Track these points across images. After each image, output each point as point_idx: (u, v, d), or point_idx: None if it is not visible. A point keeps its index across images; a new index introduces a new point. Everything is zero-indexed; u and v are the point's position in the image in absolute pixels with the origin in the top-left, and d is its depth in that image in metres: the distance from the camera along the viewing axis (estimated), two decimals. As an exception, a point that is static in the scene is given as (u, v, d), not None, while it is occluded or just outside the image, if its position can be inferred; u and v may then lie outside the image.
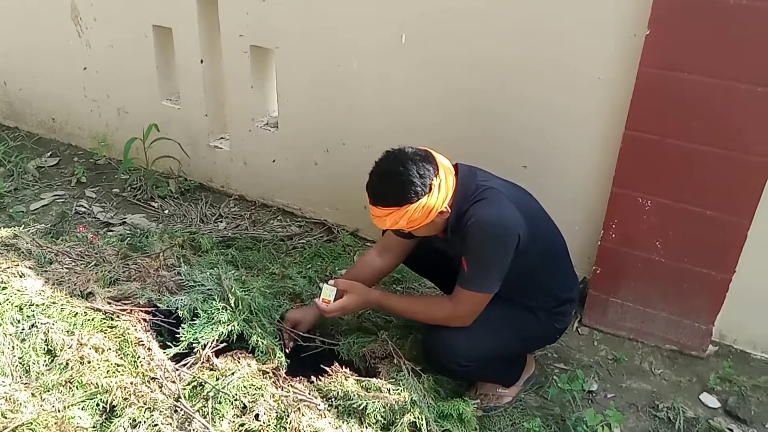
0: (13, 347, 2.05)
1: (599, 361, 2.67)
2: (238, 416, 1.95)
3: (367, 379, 2.13)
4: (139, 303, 2.24)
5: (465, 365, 2.18)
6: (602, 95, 2.52)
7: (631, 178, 2.51)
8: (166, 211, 3.53)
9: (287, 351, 2.24)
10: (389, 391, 2.08)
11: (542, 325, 2.29)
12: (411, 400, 2.06)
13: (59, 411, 1.89)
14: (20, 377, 2.00)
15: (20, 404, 1.90)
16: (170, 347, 2.13)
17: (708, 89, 2.27)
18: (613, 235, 2.61)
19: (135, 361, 2.04)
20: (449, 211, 2.07)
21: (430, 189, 1.98)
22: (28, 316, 2.12)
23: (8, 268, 2.29)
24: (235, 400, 1.96)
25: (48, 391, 1.95)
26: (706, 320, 2.62)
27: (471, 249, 2.07)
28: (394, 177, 1.99)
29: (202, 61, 3.38)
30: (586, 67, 2.51)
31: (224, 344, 2.15)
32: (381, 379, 2.15)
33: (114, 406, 1.91)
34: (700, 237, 2.49)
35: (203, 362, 2.07)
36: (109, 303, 2.22)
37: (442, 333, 2.17)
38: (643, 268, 2.62)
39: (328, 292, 2.21)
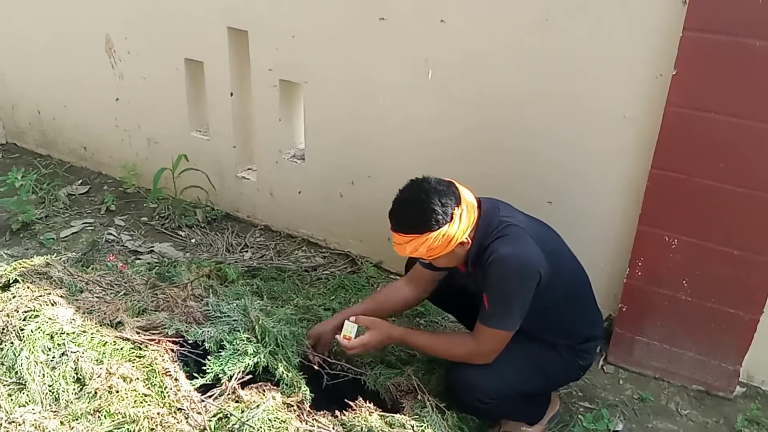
0: (43, 375, 2.09)
1: (625, 401, 2.64)
2: (262, 449, 1.96)
3: (391, 414, 2.13)
4: (167, 333, 2.27)
5: (487, 402, 2.17)
6: (628, 133, 2.53)
7: (657, 217, 2.51)
8: (193, 240, 3.58)
9: (315, 367, 2.29)
10: (413, 427, 2.08)
11: (565, 362, 2.29)
12: (435, 436, 2.06)
13: (87, 440, 1.91)
14: (50, 405, 2.03)
15: (49, 432, 1.93)
16: (197, 378, 2.15)
17: (735, 130, 2.28)
18: (639, 273, 2.60)
19: (162, 392, 2.06)
20: (470, 242, 2.08)
21: (451, 218, 2.01)
22: (58, 345, 2.16)
23: (41, 296, 2.34)
24: (260, 432, 1.97)
25: (77, 419, 1.97)
26: (734, 361, 2.59)
27: (492, 286, 2.08)
28: (415, 205, 2.02)
29: (232, 94, 3.45)
30: (612, 106, 2.53)
31: (250, 376, 2.17)
32: (405, 415, 2.15)
33: (141, 437, 1.93)
34: (728, 276, 2.47)
35: (229, 394, 2.09)
36: (138, 333, 2.25)
37: (464, 370, 2.17)
38: (669, 306, 2.60)
39: (349, 328, 2.22)
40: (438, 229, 2.00)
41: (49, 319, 2.24)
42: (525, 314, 2.08)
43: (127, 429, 1.94)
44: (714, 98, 2.28)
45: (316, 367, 2.30)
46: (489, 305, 2.08)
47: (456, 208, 2.02)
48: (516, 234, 2.08)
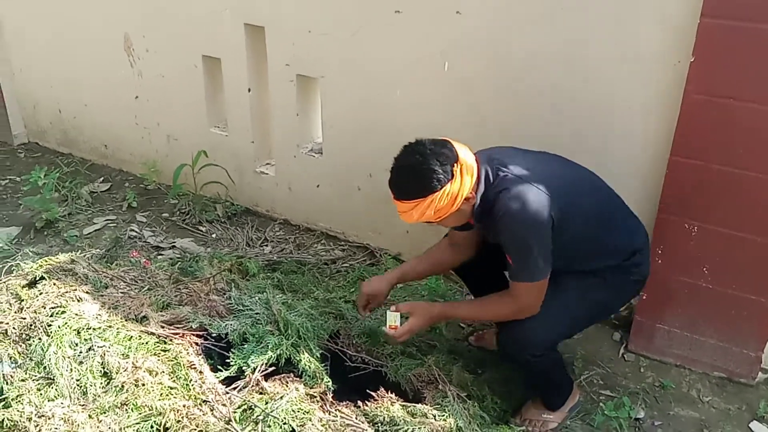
0: (71, 369, 2.13)
1: (646, 388, 2.64)
2: (286, 440, 1.99)
3: (413, 404, 2.15)
4: (191, 327, 2.30)
5: (540, 354, 2.17)
6: (647, 121, 2.52)
7: (677, 204, 2.50)
8: (214, 235, 3.62)
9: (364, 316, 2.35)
10: (435, 417, 2.10)
11: (613, 286, 2.25)
12: (457, 426, 2.07)
13: (115, 432, 1.96)
14: (78, 399, 2.07)
15: (78, 425, 1.96)
16: (221, 371, 2.18)
17: (754, 115, 2.26)
18: (660, 261, 2.60)
19: (187, 384, 2.10)
20: (474, 196, 2.08)
21: (453, 176, 1.99)
22: (85, 340, 2.20)
23: (67, 292, 2.38)
24: (284, 423, 2.00)
25: (104, 413, 2.01)
26: (755, 347, 2.58)
27: (508, 244, 2.08)
28: (414, 169, 2.01)
29: (249, 90, 3.47)
30: (630, 93, 2.52)
31: (273, 368, 2.20)
32: (427, 404, 2.17)
33: (167, 429, 1.96)
34: (748, 263, 2.46)
35: (253, 386, 2.12)
36: (163, 327, 2.29)
37: (517, 326, 2.15)
38: (690, 294, 2.60)
39: (393, 318, 2.25)
40: (441, 188, 1.99)
41: (76, 314, 2.28)
42: (550, 258, 2.06)
43: (154, 421, 1.98)
44: (732, 84, 2.27)
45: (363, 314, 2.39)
46: (513, 262, 2.08)
47: (455, 165, 2.00)
48: (515, 185, 2.04)
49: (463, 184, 2.02)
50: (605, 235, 2.22)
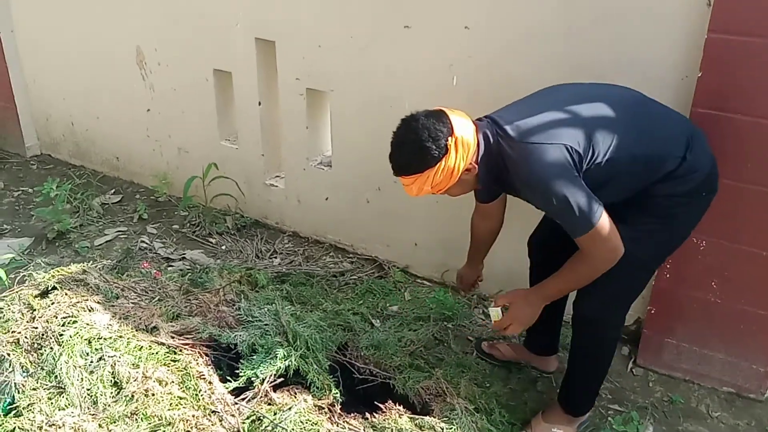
0: (82, 379, 2.15)
1: (654, 403, 2.63)
2: (295, 451, 2.00)
3: (421, 417, 2.16)
4: (200, 338, 2.32)
5: (620, 324, 2.28)
6: (654, 136, 2.53)
7: (684, 218, 2.50)
8: (223, 247, 3.64)
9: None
10: (443, 429, 2.11)
11: (672, 205, 2.10)
12: (464, 438, 2.08)
13: (125, 442, 1.97)
14: (88, 408, 2.09)
15: (88, 434, 1.99)
16: (230, 381, 2.20)
17: (762, 130, 2.27)
18: (668, 275, 2.60)
19: (197, 395, 2.12)
20: (475, 167, 2.05)
21: (447, 150, 1.98)
22: (96, 349, 2.23)
23: (78, 302, 2.41)
24: (292, 434, 2.02)
25: (114, 422, 2.03)
26: (764, 362, 2.57)
27: (544, 209, 2.07)
28: (408, 146, 2.01)
29: (260, 104, 3.51)
30: (638, 108, 2.53)
31: (281, 379, 2.21)
32: (435, 417, 2.17)
33: (177, 438, 1.99)
34: (757, 278, 2.45)
35: (261, 397, 2.14)
36: (173, 337, 2.31)
37: (594, 293, 2.13)
38: (698, 308, 2.60)
39: (495, 313, 2.25)
40: (435, 164, 1.98)
41: (87, 324, 2.31)
42: (592, 196, 1.95)
43: (163, 431, 2.00)
44: (740, 100, 2.28)
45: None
46: (562, 222, 2.02)
47: (450, 138, 1.98)
48: (518, 148, 1.99)
49: (459, 156, 2.00)
50: (649, 142, 2.05)
